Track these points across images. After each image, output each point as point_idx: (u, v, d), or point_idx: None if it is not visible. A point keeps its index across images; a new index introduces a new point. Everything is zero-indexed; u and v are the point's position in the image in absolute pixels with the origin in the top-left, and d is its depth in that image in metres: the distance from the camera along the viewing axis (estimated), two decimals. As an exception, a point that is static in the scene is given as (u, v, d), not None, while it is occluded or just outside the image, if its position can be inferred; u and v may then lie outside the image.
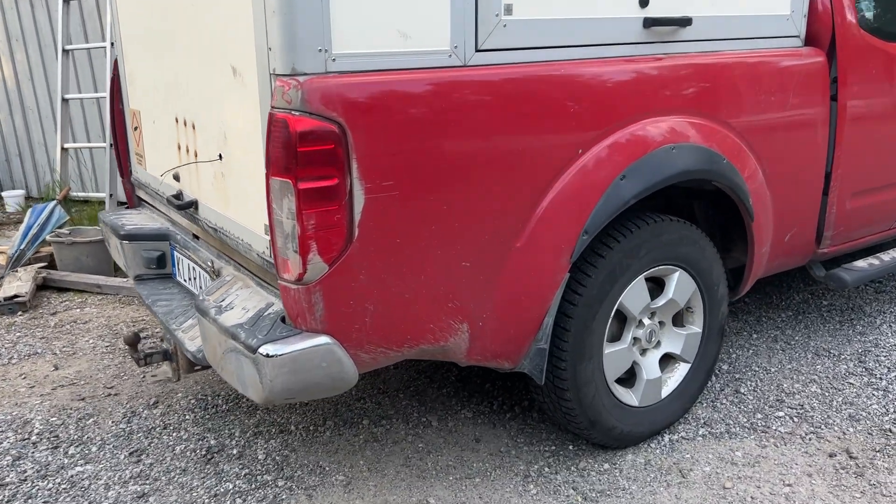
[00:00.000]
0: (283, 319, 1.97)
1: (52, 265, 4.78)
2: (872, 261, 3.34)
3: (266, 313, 2.01)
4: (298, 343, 1.87)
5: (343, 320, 1.92)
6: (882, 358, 3.21)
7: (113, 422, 2.94)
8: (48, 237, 4.75)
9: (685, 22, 2.43)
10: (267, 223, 2.00)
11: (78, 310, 4.23)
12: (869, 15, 3.05)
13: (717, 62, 2.51)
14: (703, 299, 2.69)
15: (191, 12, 2.29)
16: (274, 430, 2.83)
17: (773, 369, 3.15)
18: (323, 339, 1.89)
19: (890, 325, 3.54)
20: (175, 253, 2.85)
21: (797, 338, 3.44)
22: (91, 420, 2.96)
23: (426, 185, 1.95)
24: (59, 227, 4.95)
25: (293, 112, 1.77)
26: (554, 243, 2.20)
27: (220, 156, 2.25)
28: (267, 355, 1.84)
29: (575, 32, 2.21)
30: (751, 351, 3.32)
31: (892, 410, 2.81)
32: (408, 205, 1.94)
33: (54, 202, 5.14)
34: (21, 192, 6.79)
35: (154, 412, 3.00)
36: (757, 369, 3.15)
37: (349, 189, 1.83)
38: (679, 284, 2.59)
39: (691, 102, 2.45)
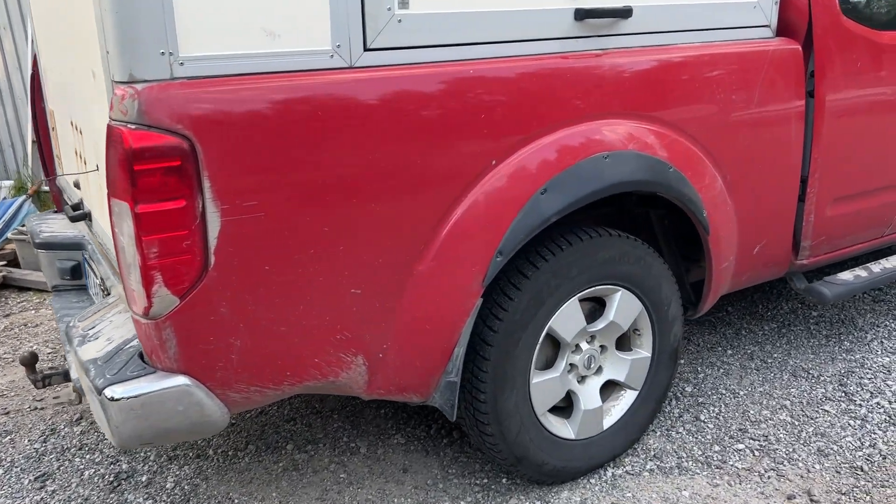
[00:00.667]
0: (140, 355, 1.76)
1: (15, 263, 4.66)
2: (860, 272, 3.04)
3: (127, 347, 1.81)
4: (149, 384, 1.67)
5: (203, 358, 1.71)
6: (866, 381, 2.92)
7: (29, 441, 2.78)
8: (10, 234, 4.62)
9: (624, 13, 2.15)
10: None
11: (33, 311, 4.09)
12: (854, 1, 2.73)
13: (664, 58, 2.24)
14: (651, 321, 2.43)
15: (65, 9, 2.08)
16: (191, 455, 2.64)
17: (741, 392, 2.87)
18: (178, 381, 1.69)
19: (881, 342, 3.23)
20: (86, 265, 2.66)
21: (776, 355, 3.16)
22: (8, 438, 2.80)
23: (300, 204, 1.72)
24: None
25: (129, 125, 1.55)
26: (462, 266, 1.96)
27: (97, 167, 2.05)
28: (112, 398, 1.64)
29: (488, 27, 1.95)
30: (721, 370, 3.04)
31: (866, 444, 2.53)
32: (277, 228, 1.71)
33: (24, 197, 5.01)
34: (11, 182, 6.71)
35: (74, 430, 2.83)
36: (724, 392, 2.88)
37: (201, 212, 1.61)
38: (621, 305, 2.33)
39: (632, 104, 2.18)
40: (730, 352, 3.20)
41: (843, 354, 3.14)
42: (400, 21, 1.82)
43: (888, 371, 2.98)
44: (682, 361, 3.12)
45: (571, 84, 2.06)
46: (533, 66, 2.00)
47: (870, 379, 2.93)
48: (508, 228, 1.98)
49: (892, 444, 2.52)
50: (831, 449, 2.52)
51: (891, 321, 3.44)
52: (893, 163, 2.91)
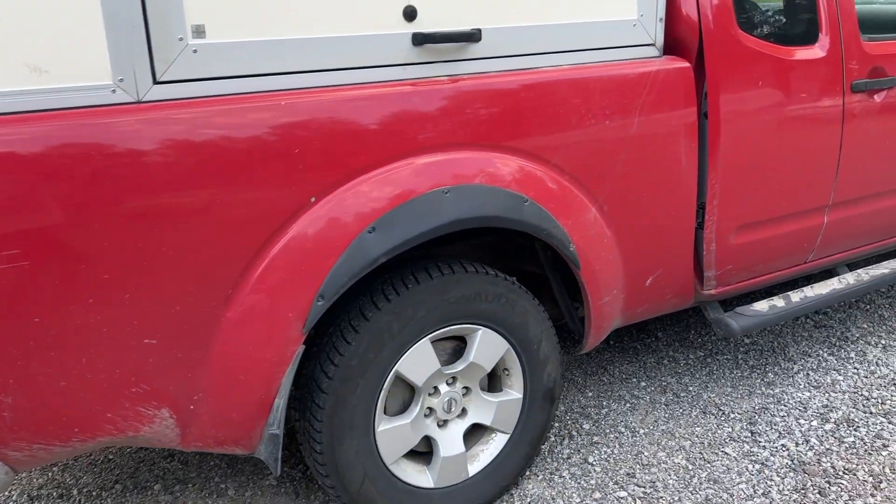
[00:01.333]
0: None
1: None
2: (777, 302, 2.86)
3: None
4: None
5: (-32, 417, 1.60)
6: (777, 419, 2.74)
7: None
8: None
9: (472, 37, 2.01)
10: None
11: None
12: (754, 15, 2.55)
13: (521, 83, 2.09)
14: (520, 360, 2.28)
15: None
16: (55, 494, 2.54)
17: (642, 431, 2.71)
18: (-61, 441, 1.58)
19: (807, 375, 3.05)
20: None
21: (692, 388, 2.99)
22: None
23: (74, 252, 1.60)
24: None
25: None
26: (278, 312, 1.83)
27: None
28: None
29: (305, 55, 1.82)
30: (629, 404, 2.88)
31: (759, 492, 2.36)
32: (46, 277, 1.59)
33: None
34: None
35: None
36: (623, 430, 2.72)
37: (-49, 263, 1.50)
38: (482, 345, 2.19)
39: (483, 134, 2.04)
40: (643, 383, 3.03)
41: (763, 388, 2.96)
42: (195, 51, 1.70)
43: (804, 408, 2.80)
44: (591, 394, 2.96)
45: (407, 114, 1.92)
46: (360, 95, 1.86)
47: (782, 417, 2.75)
48: (330, 271, 1.85)
49: (786, 493, 2.35)
50: (720, 498, 2.35)
51: (824, 350, 3.25)
52: (805, 187, 2.73)
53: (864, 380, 2.97)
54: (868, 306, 3.69)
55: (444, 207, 1.96)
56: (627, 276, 2.45)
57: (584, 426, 2.75)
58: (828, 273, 3.17)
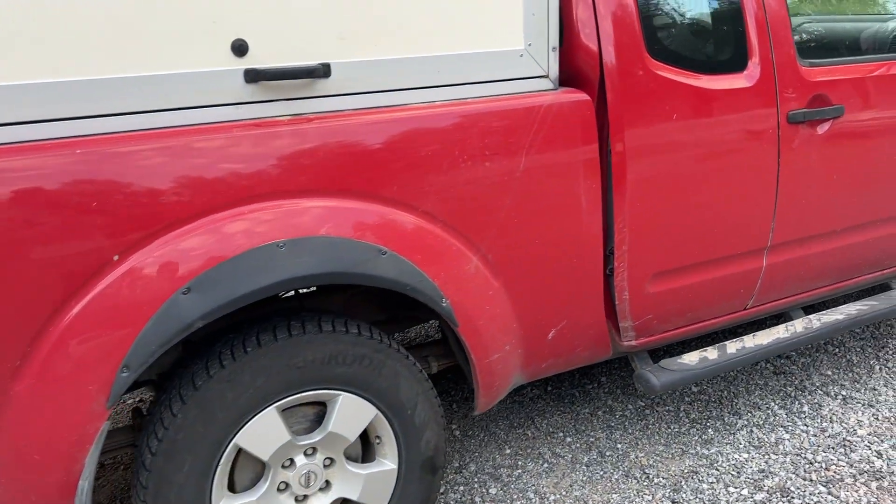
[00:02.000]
0: None
1: None
2: (710, 354, 2.59)
3: None
4: None
5: None
6: (704, 486, 2.47)
7: None
8: None
9: (315, 72, 1.80)
10: None
11: None
12: (670, 41, 2.31)
13: (381, 121, 1.87)
14: (392, 427, 2.05)
15: None
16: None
17: (552, 497, 2.45)
18: None
19: (750, 432, 2.77)
20: None
21: (621, 445, 2.72)
22: None
23: None
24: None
25: None
26: (76, 384, 1.63)
27: None
28: None
29: (108, 97, 1.63)
30: (546, 465, 2.63)
31: (666, 578, 2.10)
32: None
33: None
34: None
35: None
36: (532, 496, 2.46)
37: None
38: (343, 412, 1.97)
39: (333, 179, 1.83)
40: (570, 439, 2.77)
41: (699, 447, 2.69)
42: (-28, 96, 1.52)
43: (738, 472, 2.52)
44: (509, 451, 2.72)
45: (235, 157, 1.72)
46: (175, 138, 1.66)
47: (710, 484, 2.47)
48: (136, 338, 1.65)
49: (695, 578, 2.09)
50: (620, 583, 2.09)
51: (777, 402, 2.96)
52: (735, 229, 2.47)
53: (812, 439, 2.69)
54: (837, 349, 3.39)
55: (277, 263, 1.74)
56: (524, 329, 2.22)
57: (490, 491, 2.50)
58: (782, 318, 2.90)
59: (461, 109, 1.97)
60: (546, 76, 2.13)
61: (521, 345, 2.23)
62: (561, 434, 2.81)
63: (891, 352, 3.35)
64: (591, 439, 2.77)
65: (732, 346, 2.63)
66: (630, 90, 2.19)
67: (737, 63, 2.40)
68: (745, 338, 2.68)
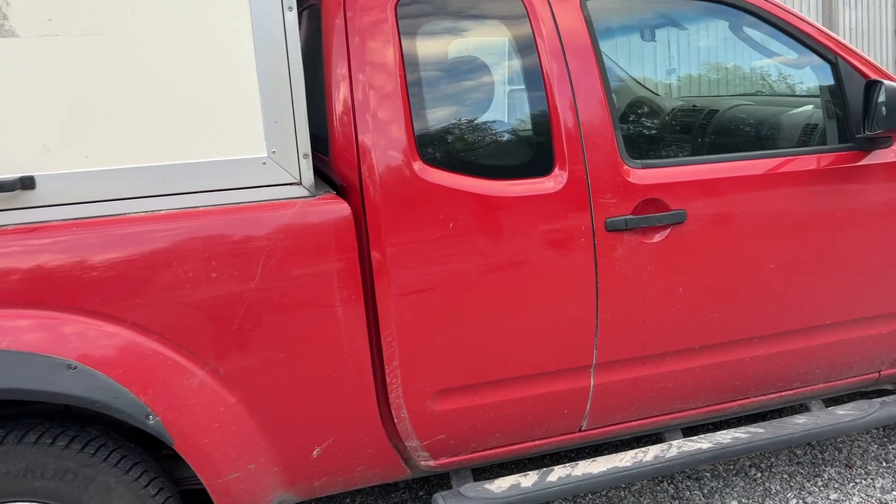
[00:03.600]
0: None
1: None
2: (524, 481, 2.33)
3: None
4: None
5: None
6: None
7: None
8: None
9: (17, 185, 1.82)
10: None
11: None
12: (451, 143, 2.17)
13: (88, 232, 1.86)
14: (108, 547, 1.98)
15: None
16: None
17: None
18: None
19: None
20: None
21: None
22: None
23: None
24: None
25: None
26: None
27: None
28: None
29: None
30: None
31: None
32: None
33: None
34: None
35: None
36: None
37: None
38: (46, 527, 1.92)
39: (26, 292, 1.82)
40: (396, 558, 2.58)
41: (524, 583, 2.41)
42: None
43: None
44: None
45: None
46: None
47: None
48: None
49: None
50: None
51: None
52: (544, 346, 2.24)
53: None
54: (762, 474, 2.98)
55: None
56: (278, 447, 2.10)
57: None
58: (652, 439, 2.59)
59: (185, 218, 1.93)
60: (298, 183, 2.05)
61: (276, 463, 2.11)
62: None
63: (821, 484, 2.90)
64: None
65: (557, 473, 2.36)
66: (393, 197, 2.06)
67: (539, 166, 2.21)
68: (579, 463, 2.40)
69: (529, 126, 2.23)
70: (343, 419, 2.14)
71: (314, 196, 2.06)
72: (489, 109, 2.26)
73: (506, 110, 2.31)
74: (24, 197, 1.85)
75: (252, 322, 1.99)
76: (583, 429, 2.42)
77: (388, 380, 2.14)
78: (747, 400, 2.59)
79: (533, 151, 2.22)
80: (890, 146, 2.52)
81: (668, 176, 2.30)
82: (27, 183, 1.83)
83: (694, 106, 2.54)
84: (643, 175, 2.28)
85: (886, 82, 2.36)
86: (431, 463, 2.29)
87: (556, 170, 2.21)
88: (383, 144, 2.06)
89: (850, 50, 2.55)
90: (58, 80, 1.83)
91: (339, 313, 2.06)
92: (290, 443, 2.11)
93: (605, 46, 2.33)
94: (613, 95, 2.30)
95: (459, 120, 2.20)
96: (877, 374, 2.75)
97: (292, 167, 2.04)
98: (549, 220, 2.18)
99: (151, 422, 1.91)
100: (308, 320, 2.03)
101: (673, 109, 2.54)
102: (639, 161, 2.29)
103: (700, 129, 2.57)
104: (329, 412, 2.12)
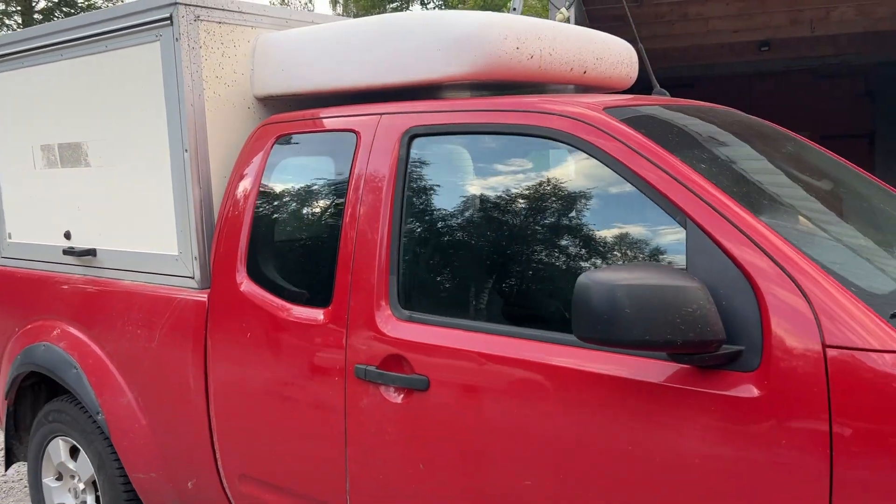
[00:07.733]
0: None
1: None
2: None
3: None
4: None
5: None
6: None
7: None
8: None
9: (90, 253, 3.06)
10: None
11: None
12: (263, 263, 2.46)
13: (84, 282, 2.98)
14: None
15: None
16: None
17: None
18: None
19: None
20: None
21: None
22: None
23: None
24: None
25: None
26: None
27: None
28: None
29: None
30: None
31: None
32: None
33: None
34: None
35: None
36: None
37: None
38: None
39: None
40: None
41: None
42: None
43: None
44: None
45: None
46: None
47: None
48: None
49: None
50: None
51: None
52: (311, 471, 2.29)
53: None
54: None
55: None
56: (169, 470, 2.78)
57: None
58: None
59: (131, 288, 2.84)
60: (192, 277, 2.72)
61: (169, 482, 2.81)
62: None
63: None
64: None
65: None
66: (218, 302, 2.53)
67: (324, 298, 2.29)
68: None
69: (317, 261, 2.31)
70: (197, 465, 2.69)
71: (200, 288, 2.68)
72: (298, 241, 2.42)
73: (301, 244, 2.40)
74: (89, 260, 3.08)
75: (150, 368, 2.75)
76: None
77: (215, 448, 2.60)
78: None
79: (319, 284, 2.30)
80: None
81: (421, 335, 2.03)
82: (92, 252, 3.05)
83: (492, 261, 2.00)
84: (397, 327, 2.08)
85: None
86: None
87: (333, 304, 2.25)
88: (220, 258, 2.54)
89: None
90: (104, 192, 3.00)
91: (191, 381, 2.64)
92: (175, 471, 2.77)
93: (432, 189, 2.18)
94: (406, 239, 2.14)
95: (277, 245, 2.45)
96: None
97: (189, 265, 2.71)
98: (315, 351, 2.25)
99: (100, 417, 2.91)
100: (173, 378, 2.66)
101: (476, 262, 2.04)
102: (407, 312, 2.10)
103: (488, 290, 1.98)
104: (187, 456, 2.70)
